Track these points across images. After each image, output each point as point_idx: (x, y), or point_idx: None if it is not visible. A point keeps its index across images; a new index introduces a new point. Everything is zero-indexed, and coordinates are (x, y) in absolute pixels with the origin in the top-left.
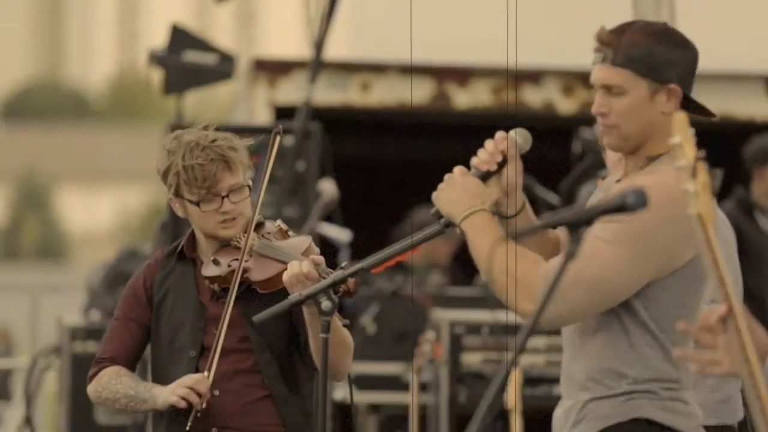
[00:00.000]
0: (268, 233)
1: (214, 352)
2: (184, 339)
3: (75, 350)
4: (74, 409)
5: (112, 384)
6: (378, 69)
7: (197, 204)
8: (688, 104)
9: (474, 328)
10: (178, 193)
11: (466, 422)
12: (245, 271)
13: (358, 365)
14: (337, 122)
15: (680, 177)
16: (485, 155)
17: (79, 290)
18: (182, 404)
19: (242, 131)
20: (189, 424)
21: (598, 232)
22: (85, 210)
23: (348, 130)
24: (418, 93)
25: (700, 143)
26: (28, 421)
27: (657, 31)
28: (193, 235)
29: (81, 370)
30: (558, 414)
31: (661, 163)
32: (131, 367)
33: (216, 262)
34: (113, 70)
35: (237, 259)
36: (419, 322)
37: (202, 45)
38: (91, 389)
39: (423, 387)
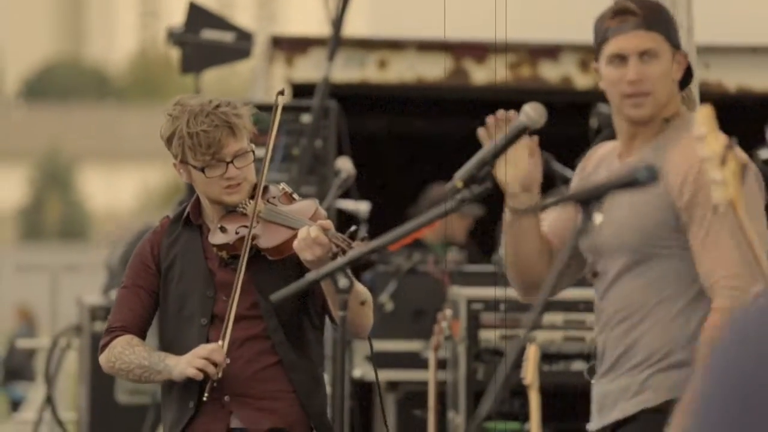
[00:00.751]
0: (274, 197)
1: (228, 320)
2: (193, 307)
3: (95, 330)
4: (94, 388)
5: (125, 354)
6: (395, 46)
7: (202, 170)
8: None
9: (492, 305)
10: (182, 159)
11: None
12: (254, 238)
13: (376, 343)
14: (354, 99)
15: (706, 167)
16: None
17: (100, 270)
18: (200, 376)
19: (260, 109)
20: (206, 394)
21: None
22: (107, 189)
23: (365, 107)
24: (435, 69)
25: (718, 115)
26: (49, 400)
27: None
28: (198, 202)
29: None
30: (610, 389)
31: (681, 129)
32: (142, 334)
33: (223, 230)
34: (134, 49)
35: (245, 226)
36: (437, 300)
37: (220, 23)
38: (104, 359)
39: (441, 364)
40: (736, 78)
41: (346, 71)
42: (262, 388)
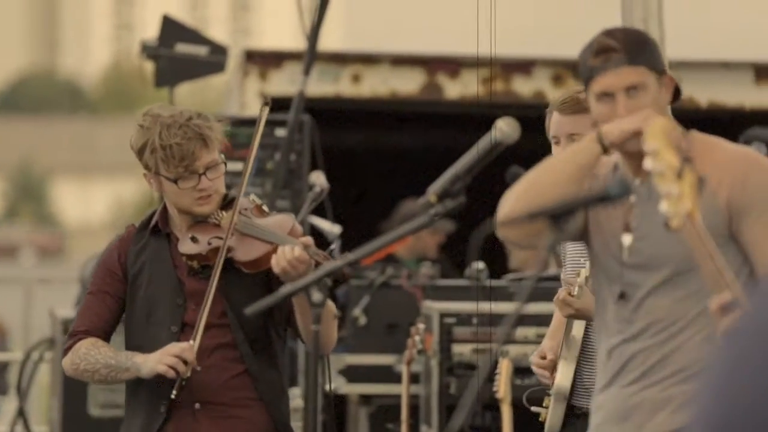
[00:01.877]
0: (245, 209)
1: (199, 323)
2: (163, 314)
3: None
4: (67, 401)
5: (90, 354)
6: (369, 60)
7: (174, 181)
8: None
9: (464, 319)
10: (155, 170)
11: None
12: (229, 249)
13: (349, 356)
14: (328, 114)
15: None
16: None
17: (73, 283)
18: (171, 373)
19: (234, 123)
20: (174, 392)
21: None
22: (80, 202)
23: (339, 121)
24: (408, 84)
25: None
26: (21, 413)
27: (637, 28)
28: (165, 210)
29: None
30: (636, 400)
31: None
32: (107, 338)
33: (194, 239)
34: (108, 62)
35: (218, 237)
36: (410, 314)
37: (194, 37)
38: (67, 362)
39: (414, 378)
40: (707, 93)
41: (320, 85)
42: (232, 396)
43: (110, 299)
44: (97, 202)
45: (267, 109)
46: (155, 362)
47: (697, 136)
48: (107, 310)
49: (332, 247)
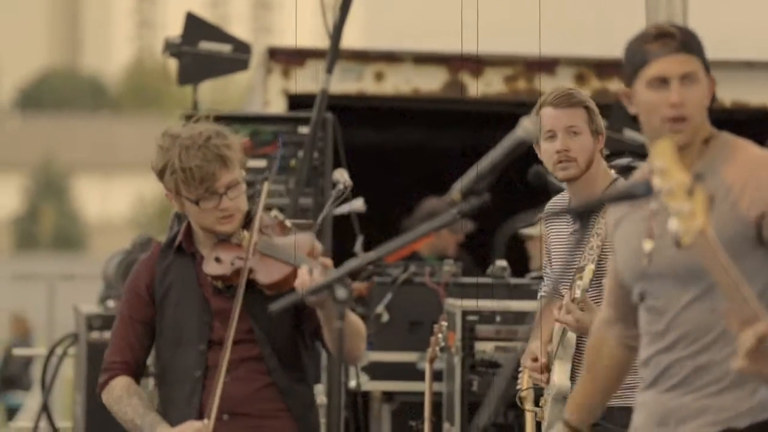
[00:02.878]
0: (267, 227)
1: (219, 373)
2: (191, 333)
3: (92, 338)
4: (90, 396)
5: (122, 403)
6: (392, 58)
7: (196, 203)
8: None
9: (487, 317)
10: (176, 191)
11: (479, 410)
12: (251, 271)
13: (372, 354)
14: (350, 111)
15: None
16: None
17: (95, 279)
18: None
19: (255, 121)
20: None
21: None
22: (102, 199)
23: (362, 119)
24: (431, 81)
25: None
26: (46, 408)
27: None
28: (189, 229)
29: (97, 358)
30: (675, 405)
31: (725, 147)
32: (141, 369)
33: (218, 260)
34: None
35: (240, 258)
36: (433, 311)
37: (217, 34)
38: (104, 398)
39: (437, 375)
40: (731, 93)
41: (343, 83)
42: (260, 407)
43: (140, 327)
44: (118, 199)
45: (267, 185)
46: None
47: (725, 138)
48: (138, 340)
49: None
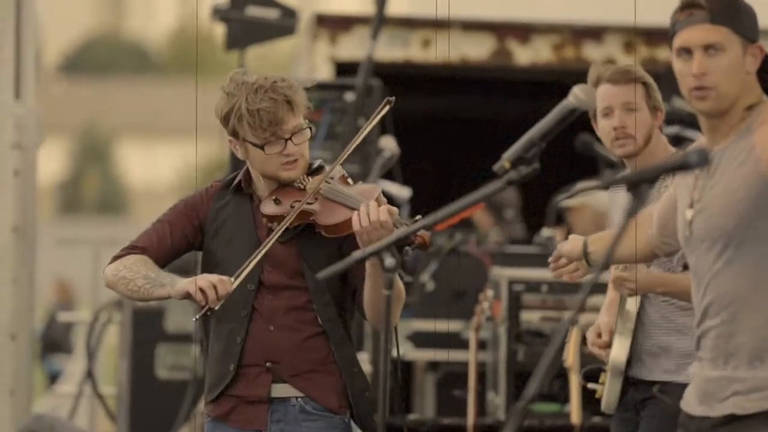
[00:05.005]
0: (332, 178)
1: (247, 264)
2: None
3: (136, 305)
4: (135, 363)
5: (136, 265)
6: (439, 25)
7: (261, 147)
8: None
9: (533, 286)
10: (239, 136)
11: (524, 380)
12: (312, 213)
13: (416, 322)
14: (397, 78)
15: None
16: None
17: None
18: (199, 296)
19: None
20: (197, 316)
21: None
22: (146, 164)
23: (409, 86)
24: (478, 50)
25: None
26: (90, 374)
27: None
28: (248, 172)
29: (142, 325)
30: (711, 377)
31: (765, 113)
32: (160, 264)
33: (277, 201)
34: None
35: (299, 201)
36: (478, 280)
37: (264, 0)
38: (111, 268)
39: (481, 345)
40: None
41: (390, 50)
42: (304, 357)
43: (179, 234)
44: (162, 165)
45: (388, 107)
46: (188, 282)
47: (760, 109)
48: (171, 241)
49: (418, 217)
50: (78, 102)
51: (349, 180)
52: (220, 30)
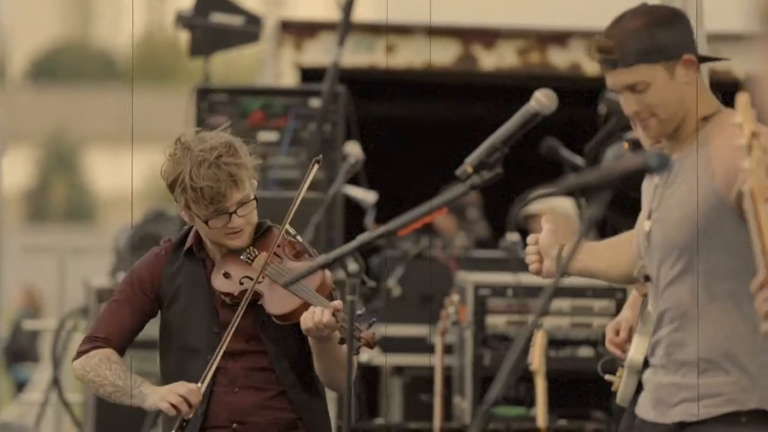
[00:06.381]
0: (278, 247)
1: (212, 363)
2: (199, 341)
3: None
4: None
5: (101, 367)
6: (404, 31)
7: (205, 222)
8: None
9: (499, 291)
10: (184, 205)
11: (490, 384)
12: (260, 295)
13: (382, 328)
14: (362, 84)
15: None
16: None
17: (106, 252)
18: (172, 411)
19: (267, 93)
20: (174, 430)
21: None
22: (113, 172)
23: (374, 92)
24: (443, 55)
25: (727, 103)
26: (56, 382)
27: (647, 14)
28: (198, 234)
29: None
30: (664, 383)
31: (721, 123)
32: (122, 351)
33: (227, 276)
34: (141, 32)
35: (248, 278)
36: (444, 284)
37: (228, 6)
38: (78, 365)
39: (448, 349)
40: (744, 65)
41: (355, 56)
42: (271, 416)
43: (136, 312)
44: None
45: (317, 166)
46: (160, 398)
47: (725, 114)
48: (130, 323)
49: (362, 311)
50: (45, 110)
51: (298, 237)
52: (184, 37)
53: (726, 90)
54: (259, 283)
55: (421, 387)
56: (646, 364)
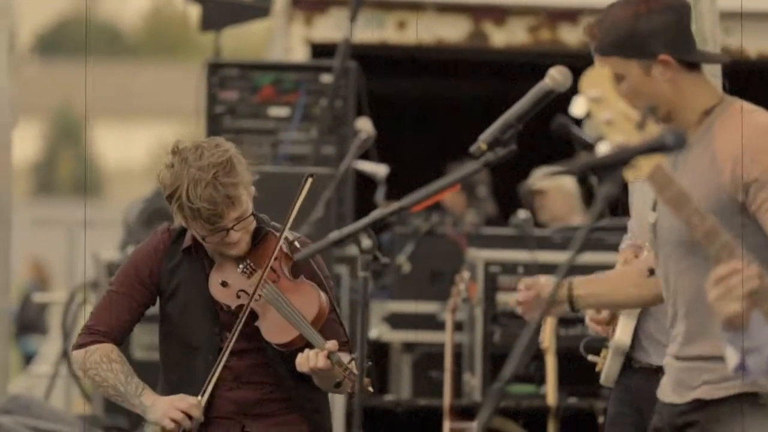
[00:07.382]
0: (275, 259)
1: (210, 380)
2: (200, 340)
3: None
4: None
5: (102, 368)
6: (415, 7)
7: (202, 238)
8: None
9: (509, 268)
10: (181, 219)
11: (500, 361)
12: (256, 316)
13: (392, 304)
14: (373, 60)
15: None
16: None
17: (114, 225)
18: (171, 426)
19: (278, 69)
20: None
21: None
22: (121, 146)
23: (384, 68)
24: (454, 31)
25: (738, 82)
26: (65, 355)
27: (641, 2)
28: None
29: None
30: (681, 367)
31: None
32: (121, 343)
33: (224, 285)
34: (148, 5)
35: (245, 292)
36: (454, 261)
37: None
38: (79, 359)
39: (458, 326)
40: (756, 44)
41: (365, 32)
42: (275, 407)
43: (135, 305)
44: (137, 146)
45: (310, 181)
46: (162, 414)
47: (727, 104)
48: (129, 315)
49: (354, 355)
50: (52, 83)
51: (296, 243)
52: (195, 11)
53: (739, 70)
54: (256, 300)
55: (431, 364)
56: (632, 346)
